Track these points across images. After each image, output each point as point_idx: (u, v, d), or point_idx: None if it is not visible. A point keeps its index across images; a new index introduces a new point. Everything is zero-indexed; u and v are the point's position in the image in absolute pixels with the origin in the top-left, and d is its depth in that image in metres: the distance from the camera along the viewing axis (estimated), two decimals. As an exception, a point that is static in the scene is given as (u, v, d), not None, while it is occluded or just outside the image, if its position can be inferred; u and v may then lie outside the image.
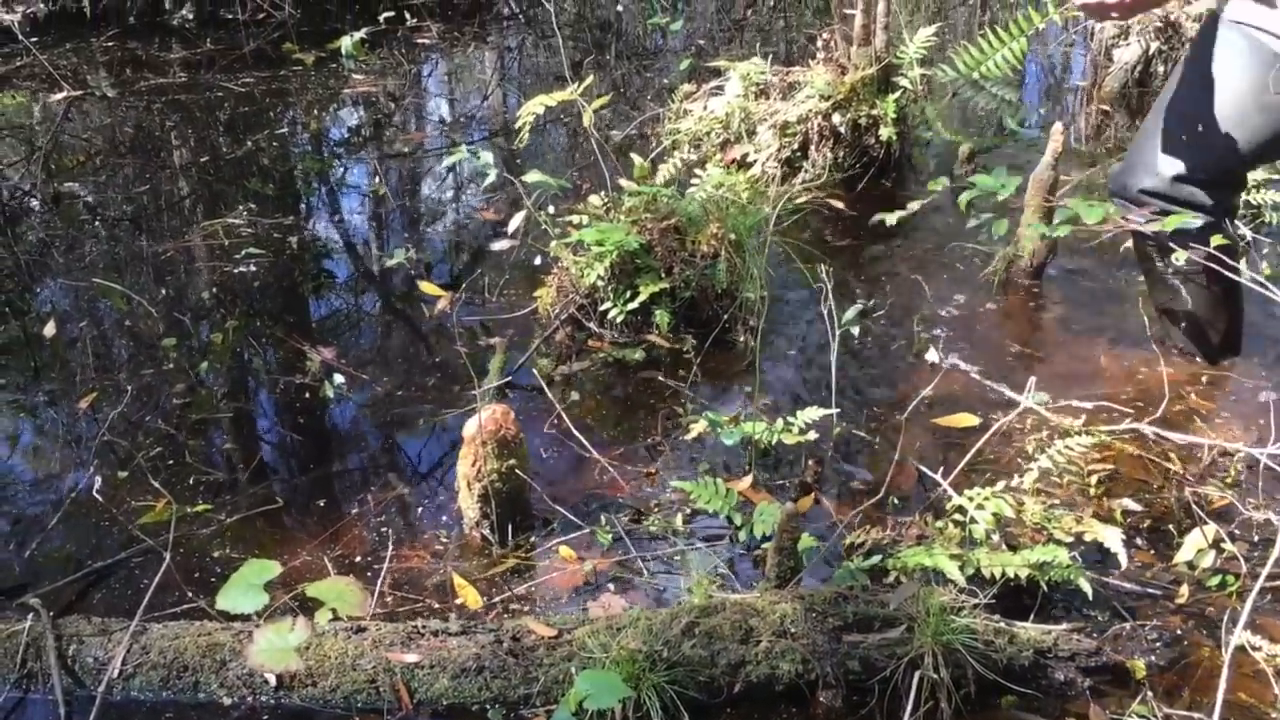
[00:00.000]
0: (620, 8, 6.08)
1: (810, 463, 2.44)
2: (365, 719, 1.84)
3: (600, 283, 2.86)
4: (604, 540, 2.25)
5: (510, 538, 2.25)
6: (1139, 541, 2.19)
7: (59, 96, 4.98)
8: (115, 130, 4.69)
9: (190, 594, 2.11)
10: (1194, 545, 2.09)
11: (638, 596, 2.11)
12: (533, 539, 2.28)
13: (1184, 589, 2.06)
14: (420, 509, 2.39)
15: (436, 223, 3.75)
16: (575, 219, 2.95)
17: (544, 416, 2.63)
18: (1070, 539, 2.01)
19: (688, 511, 2.32)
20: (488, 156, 3.00)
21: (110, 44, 5.65)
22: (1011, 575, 1.93)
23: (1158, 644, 1.94)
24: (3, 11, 5.51)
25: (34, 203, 3.99)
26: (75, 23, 5.69)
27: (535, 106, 2.97)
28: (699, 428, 2.51)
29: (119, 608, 2.07)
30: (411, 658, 1.86)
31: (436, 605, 2.10)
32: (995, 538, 2.01)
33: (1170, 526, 2.21)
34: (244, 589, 1.47)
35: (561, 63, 4.78)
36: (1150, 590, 2.07)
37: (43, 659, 1.93)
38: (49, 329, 3.11)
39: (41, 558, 2.28)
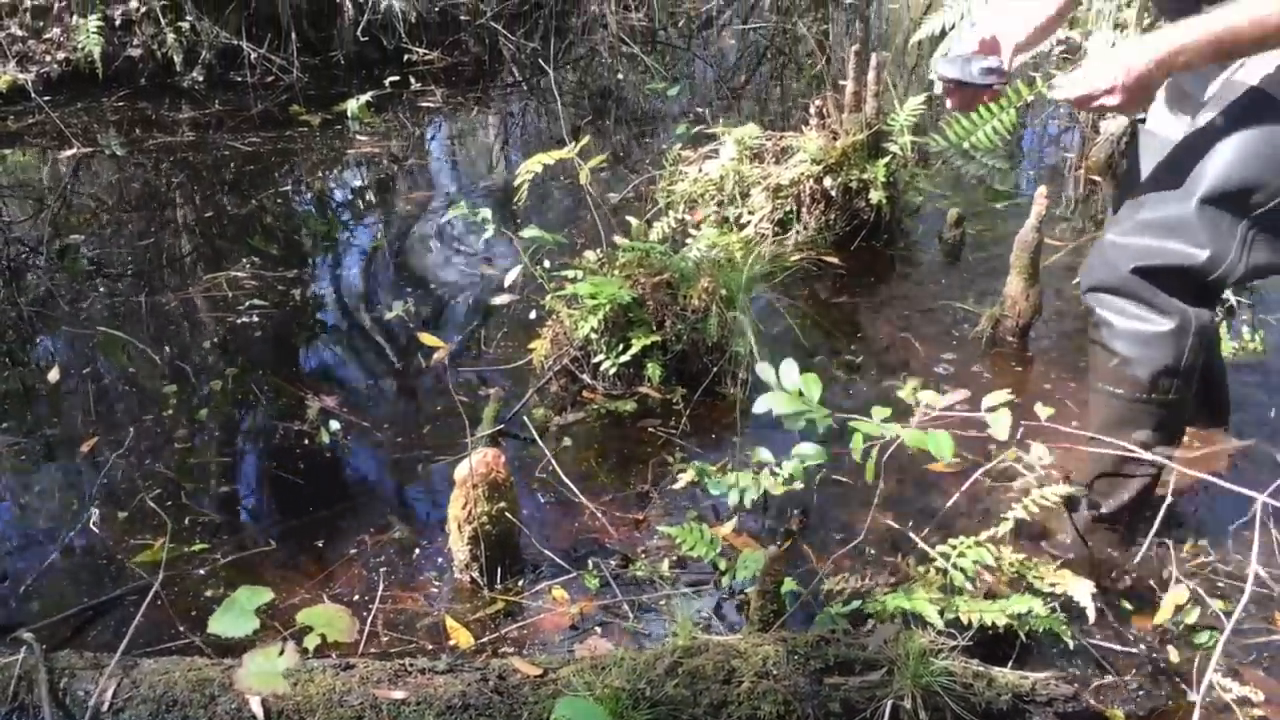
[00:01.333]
0: (620, 76, 6.22)
1: (795, 513, 2.48)
2: (351, 755, 1.86)
3: (594, 335, 2.92)
4: (591, 584, 2.29)
5: (499, 580, 2.29)
6: (1120, 598, 2.23)
7: (69, 153, 5.09)
8: (123, 187, 4.79)
9: (183, 630, 2.14)
10: (1173, 601, 2.13)
11: (623, 639, 2.15)
12: (521, 582, 2.31)
13: (1168, 646, 2.09)
14: (413, 552, 2.42)
15: (436, 277, 3.82)
16: (570, 273, 3.02)
17: (537, 464, 2.68)
18: (1048, 590, 2.05)
19: (674, 557, 2.35)
20: (487, 213, 3.08)
21: (121, 104, 5.77)
22: (990, 623, 1.96)
23: (1138, 694, 1.97)
24: (17, 71, 5.65)
25: (40, 256, 4.06)
26: (88, 83, 5.81)
27: (534, 165, 3.05)
28: (687, 477, 2.56)
29: (113, 644, 2.09)
30: (398, 694, 1.88)
31: (430, 646, 2.14)
32: (974, 585, 2.04)
33: (1151, 582, 2.25)
34: (236, 614, 1.51)
35: (562, 128, 4.89)
36: (1130, 645, 2.10)
37: (34, 691, 1.95)
38: (52, 375, 3.17)
39: (38, 595, 2.31)
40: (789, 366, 2.03)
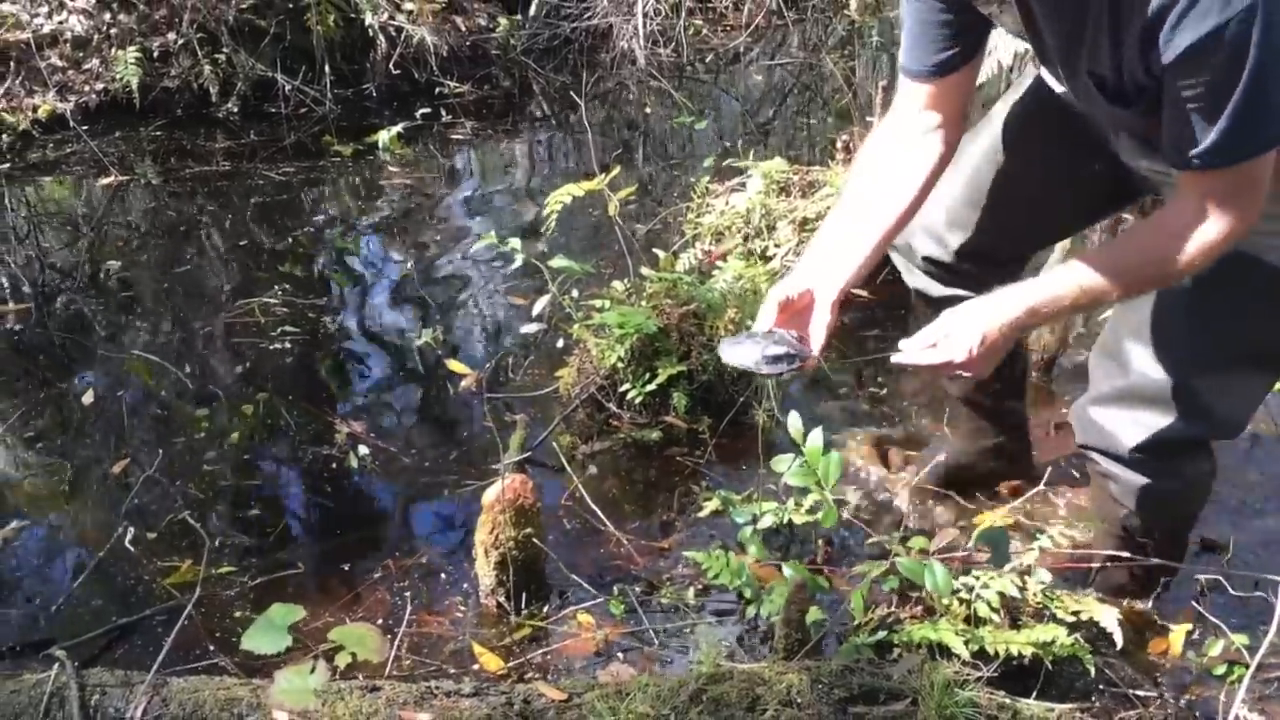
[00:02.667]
0: (648, 110, 6.27)
1: (821, 542, 2.48)
2: (377, 776, 1.88)
3: (620, 364, 2.94)
4: (617, 610, 2.30)
5: (525, 605, 2.30)
6: (1145, 627, 2.22)
7: (106, 181, 5.17)
8: (158, 215, 4.87)
9: (212, 650, 2.16)
10: (1183, 630, 2.13)
11: (648, 666, 2.15)
12: (547, 608, 2.33)
13: (1192, 679, 2.09)
14: (438, 576, 2.44)
15: (464, 305, 3.86)
16: (598, 303, 3.04)
17: (563, 491, 2.69)
18: (1071, 619, 2.04)
19: (700, 585, 2.36)
20: (516, 242, 3.11)
21: (158, 133, 5.87)
22: (1015, 653, 1.96)
23: (1161, 727, 1.96)
24: (57, 100, 5.75)
25: (76, 281, 4.13)
26: (125, 112, 5.90)
27: (563, 195, 3.08)
28: (712, 505, 2.57)
29: (143, 662, 2.11)
30: (424, 717, 1.90)
31: (451, 670, 2.15)
32: (999, 616, 2.04)
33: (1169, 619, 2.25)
34: (267, 631, 1.53)
35: (591, 160, 4.94)
36: (1155, 675, 2.10)
37: (66, 708, 1.97)
38: (87, 397, 3.22)
39: (69, 613, 2.35)
40: (815, 434, 2.13)
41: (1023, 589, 2.07)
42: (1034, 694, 1.96)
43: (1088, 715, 1.92)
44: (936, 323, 1.80)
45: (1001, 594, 2.03)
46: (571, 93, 6.03)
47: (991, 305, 1.77)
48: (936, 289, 2.30)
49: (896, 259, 2.37)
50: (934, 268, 2.30)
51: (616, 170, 3.09)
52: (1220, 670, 2.09)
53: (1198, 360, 1.92)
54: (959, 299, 2.03)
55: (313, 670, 1.53)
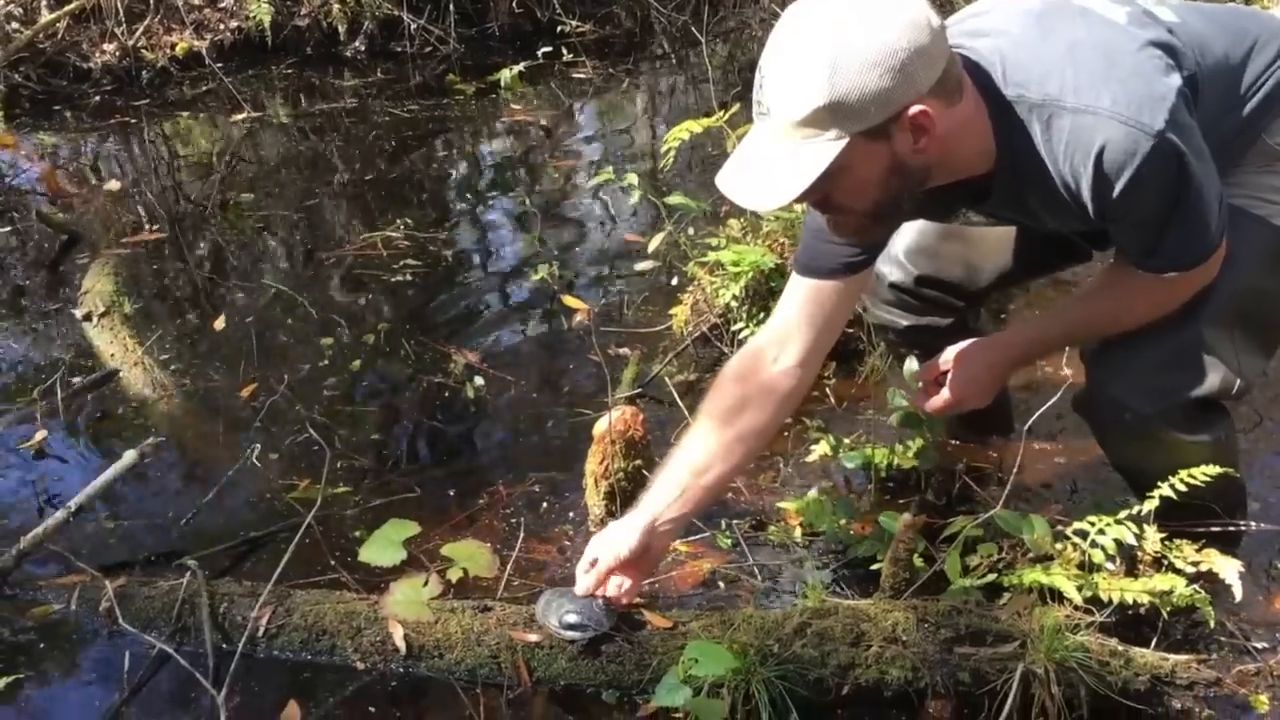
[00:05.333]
0: (771, 50, 6.19)
1: (934, 482, 2.45)
2: (487, 693, 1.93)
3: (734, 303, 2.93)
4: (723, 544, 2.31)
5: (633, 535, 2.32)
6: (1267, 578, 2.15)
7: (239, 118, 5.33)
8: (288, 150, 5.01)
9: (333, 564, 2.25)
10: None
11: (752, 600, 2.17)
12: (654, 538, 2.34)
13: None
14: (548, 504, 2.49)
15: (581, 242, 3.89)
16: (714, 241, 3.03)
17: (673, 426, 2.70)
18: (1191, 570, 1.98)
19: (808, 524, 2.36)
20: (633, 179, 3.12)
21: (288, 71, 6.02)
22: (1130, 601, 1.91)
23: (1284, 680, 1.90)
24: (194, 38, 5.93)
25: (211, 213, 4.28)
26: (258, 51, 6.07)
27: (681, 132, 3.07)
28: (820, 450, 2.55)
29: (269, 576, 2.19)
30: (533, 638, 1.94)
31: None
32: (1113, 565, 1.99)
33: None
34: (384, 545, 1.59)
35: (711, 100, 4.89)
36: (1277, 630, 2.03)
37: (196, 614, 2.08)
38: (219, 323, 3.35)
39: (201, 526, 2.45)
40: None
41: (1140, 536, 2.02)
42: (1151, 645, 1.92)
43: (1204, 666, 1.86)
44: (943, 357, 2.04)
45: (1118, 541, 1.98)
46: (693, 30, 5.97)
47: (1000, 346, 2.02)
48: (903, 319, 2.37)
49: (863, 296, 2.35)
50: (901, 294, 2.34)
51: (736, 108, 3.05)
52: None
53: (1200, 313, 1.90)
54: (923, 329, 2.29)
55: (426, 584, 1.58)
